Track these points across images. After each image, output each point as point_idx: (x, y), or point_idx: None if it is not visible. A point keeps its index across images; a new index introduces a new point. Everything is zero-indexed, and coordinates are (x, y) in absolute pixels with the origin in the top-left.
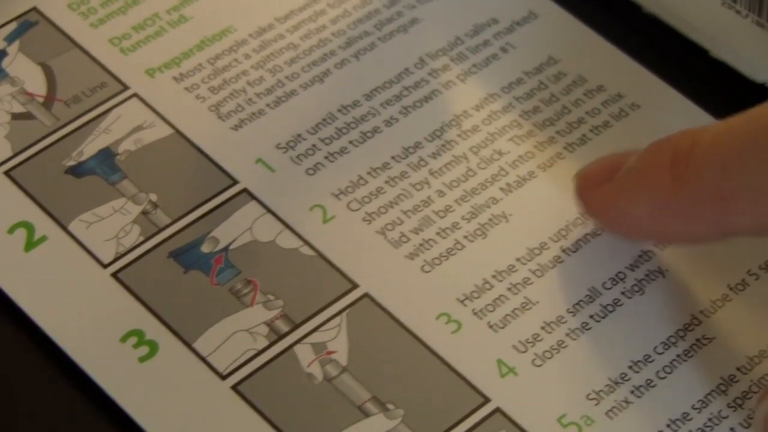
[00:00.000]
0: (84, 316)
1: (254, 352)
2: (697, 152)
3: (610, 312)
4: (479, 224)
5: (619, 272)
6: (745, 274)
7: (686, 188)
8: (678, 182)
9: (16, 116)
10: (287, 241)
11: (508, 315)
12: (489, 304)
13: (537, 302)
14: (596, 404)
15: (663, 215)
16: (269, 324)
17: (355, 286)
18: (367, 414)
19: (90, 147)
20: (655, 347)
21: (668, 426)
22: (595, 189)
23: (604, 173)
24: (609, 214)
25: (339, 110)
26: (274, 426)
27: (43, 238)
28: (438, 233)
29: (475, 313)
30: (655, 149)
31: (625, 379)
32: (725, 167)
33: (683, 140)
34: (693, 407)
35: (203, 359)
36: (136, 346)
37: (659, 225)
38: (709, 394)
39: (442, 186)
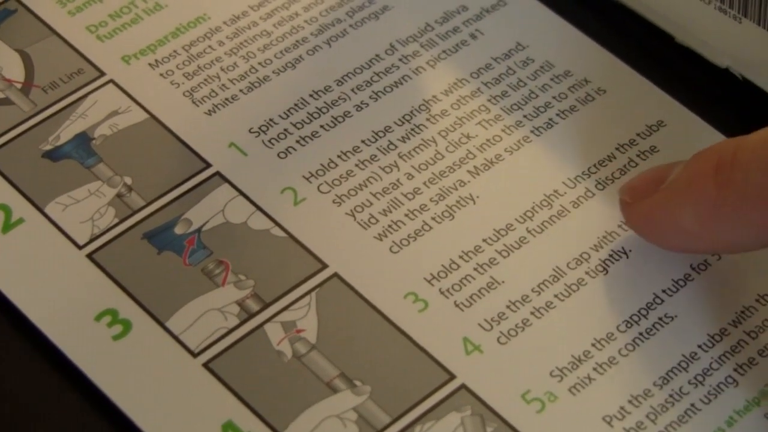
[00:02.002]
0: (59, 296)
1: (225, 330)
2: (741, 157)
3: (575, 291)
4: (447, 206)
5: (584, 252)
6: (707, 254)
7: (731, 193)
8: (723, 188)
9: None
10: (258, 222)
11: (474, 294)
12: (456, 284)
13: (503, 282)
14: (560, 381)
15: (709, 223)
16: (240, 303)
17: (324, 266)
18: (335, 390)
19: (66, 132)
20: (618, 325)
21: (630, 402)
22: (639, 202)
23: (649, 186)
24: (654, 226)
25: (310, 95)
26: (244, 402)
27: (20, 220)
28: (406, 215)
29: (442, 293)
30: (699, 158)
31: (589, 356)
32: None
33: (727, 147)
34: (654, 384)
35: (175, 337)
36: (110, 324)
37: (706, 234)
38: (670, 371)
39: (411, 169)
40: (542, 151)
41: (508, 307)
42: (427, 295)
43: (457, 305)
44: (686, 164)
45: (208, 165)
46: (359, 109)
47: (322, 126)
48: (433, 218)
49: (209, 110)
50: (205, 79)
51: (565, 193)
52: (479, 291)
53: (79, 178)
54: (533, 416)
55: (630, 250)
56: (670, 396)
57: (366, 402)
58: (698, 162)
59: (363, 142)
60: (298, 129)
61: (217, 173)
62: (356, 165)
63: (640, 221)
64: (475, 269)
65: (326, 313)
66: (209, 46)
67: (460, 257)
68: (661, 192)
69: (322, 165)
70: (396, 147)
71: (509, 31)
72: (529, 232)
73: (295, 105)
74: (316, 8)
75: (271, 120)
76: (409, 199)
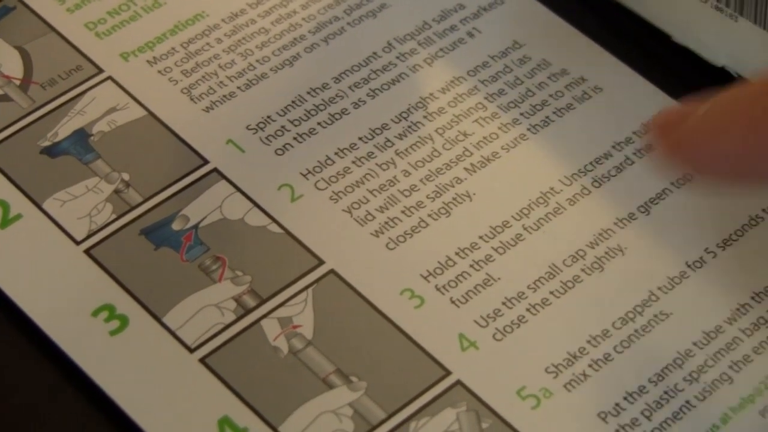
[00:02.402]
0: (57, 291)
1: (222, 326)
2: None
3: (570, 288)
4: (443, 203)
5: (579, 249)
6: (703, 252)
7: None
8: None
9: None
10: (256, 219)
11: (470, 291)
12: (452, 280)
13: (498, 278)
14: (555, 377)
15: (760, 144)
16: (237, 299)
17: (321, 262)
18: (331, 386)
19: (65, 128)
20: (614, 322)
21: (625, 399)
22: (675, 129)
23: (684, 115)
24: (692, 151)
25: (308, 93)
26: (240, 397)
27: (18, 216)
28: (403, 212)
29: (438, 289)
30: (742, 84)
31: (584, 353)
32: None
33: None
34: (649, 380)
35: (172, 333)
36: (107, 320)
37: (754, 157)
38: (665, 367)
39: (408, 166)
40: (539, 149)
41: (503, 303)
42: (423, 292)
43: (453, 302)
44: (727, 91)
45: (206, 161)
46: (356, 106)
47: (319, 123)
48: (430, 215)
49: (207, 107)
50: (203, 77)
51: (561, 190)
52: (475, 287)
53: (77, 174)
54: (528, 412)
55: (626, 248)
56: (665, 393)
57: (362, 398)
58: (742, 87)
59: (360, 139)
60: (296, 126)
61: (215, 170)
62: (353, 162)
63: (676, 148)
64: (471, 266)
65: (323, 309)
66: (207, 44)
67: (457, 254)
68: (701, 116)
69: (319, 162)
70: (393, 144)
71: (506, 29)
72: (525, 229)
73: (293, 102)
74: (314, 6)
75: (268, 117)
76: (406, 196)
